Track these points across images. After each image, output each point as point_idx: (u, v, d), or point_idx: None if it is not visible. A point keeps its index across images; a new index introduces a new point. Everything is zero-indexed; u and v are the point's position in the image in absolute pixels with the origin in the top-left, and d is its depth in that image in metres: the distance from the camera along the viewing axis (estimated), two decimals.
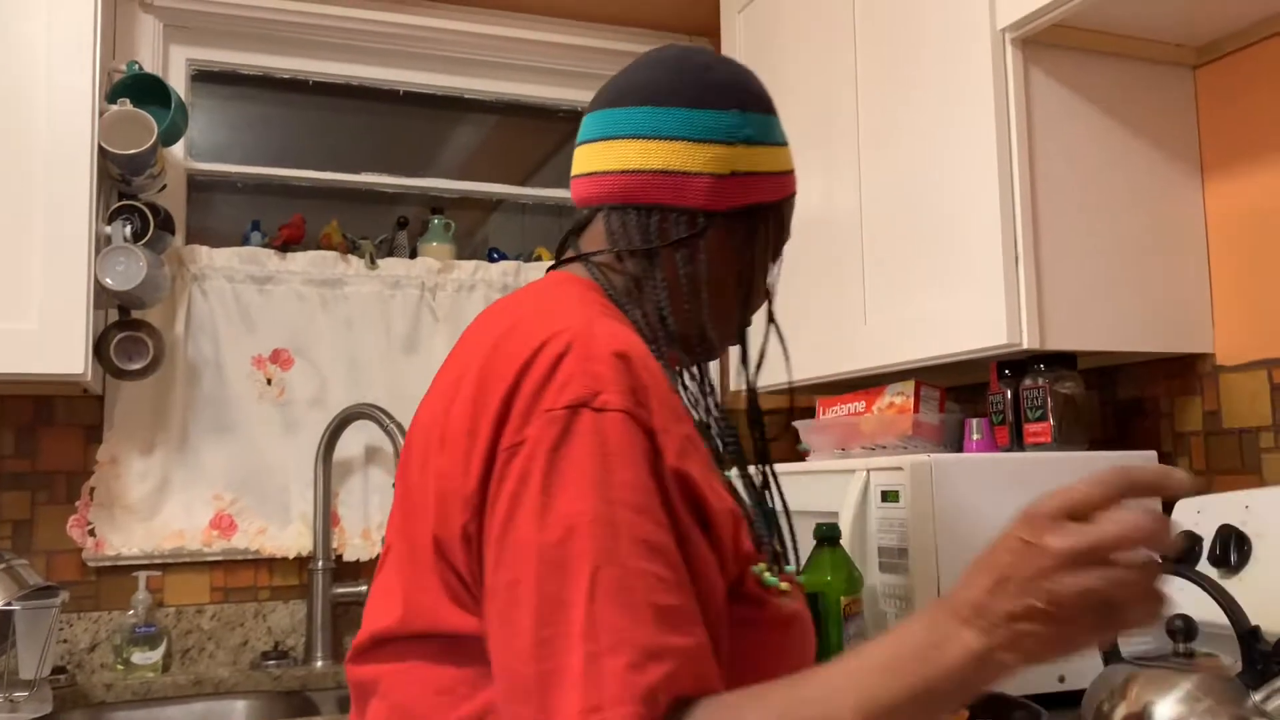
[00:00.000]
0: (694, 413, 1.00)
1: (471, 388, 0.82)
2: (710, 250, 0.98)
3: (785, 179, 1.02)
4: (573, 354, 0.79)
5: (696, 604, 0.75)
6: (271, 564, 2.24)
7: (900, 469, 1.45)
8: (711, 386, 1.02)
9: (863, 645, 0.72)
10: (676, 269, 0.96)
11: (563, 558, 0.72)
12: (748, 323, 1.06)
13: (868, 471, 1.53)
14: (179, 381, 2.21)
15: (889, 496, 1.48)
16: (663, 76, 0.98)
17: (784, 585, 0.87)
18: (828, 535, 1.41)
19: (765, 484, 1.03)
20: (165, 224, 2.13)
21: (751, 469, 1.04)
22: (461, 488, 0.79)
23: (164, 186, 2.19)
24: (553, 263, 1.04)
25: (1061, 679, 1.48)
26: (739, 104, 0.98)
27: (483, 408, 0.80)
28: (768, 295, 1.06)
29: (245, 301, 2.28)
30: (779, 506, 1.03)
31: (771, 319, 1.09)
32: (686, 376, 1.03)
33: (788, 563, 1.00)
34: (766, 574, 0.86)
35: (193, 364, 2.23)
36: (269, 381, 2.28)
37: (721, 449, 1.00)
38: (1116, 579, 0.66)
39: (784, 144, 1.03)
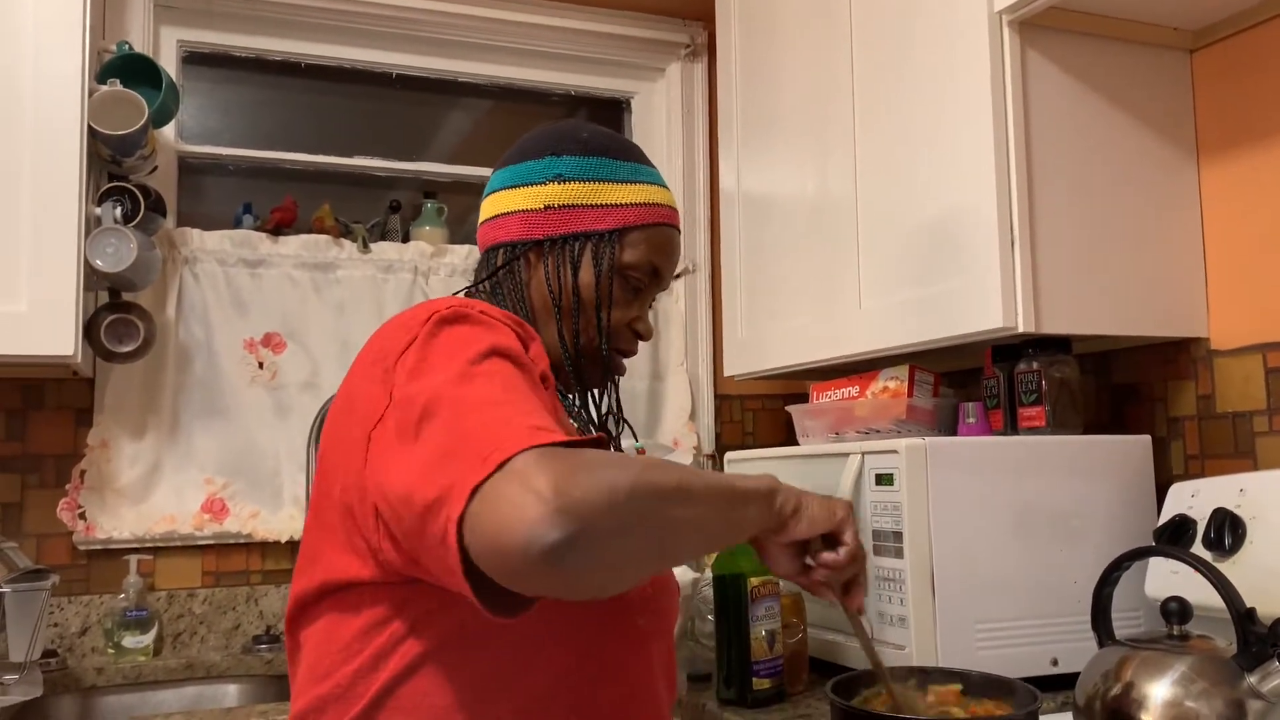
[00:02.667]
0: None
1: (367, 358, 0.95)
2: (535, 276, 1.12)
3: (620, 210, 1.13)
4: (439, 304, 0.95)
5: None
6: (264, 548, 2.24)
7: (895, 452, 1.45)
8: (613, 407, 1.19)
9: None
10: (510, 296, 1.12)
11: (469, 373, 0.84)
12: (616, 349, 1.16)
13: (862, 455, 1.52)
14: (170, 365, 2.19)
15: (883, 480, 1.47)
16: (510, 149, 1.18)
17: None
18: None
19: None
20: (156, 206, 2.11)
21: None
22: (363, 427, 0.90)
23: (155, 168, 2.17)
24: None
25: (1055, 662, 1.48)
26: (551, 151, 1.14)
27: (377, 359, 0.93)
28: (638, 332, 1.17)
29: (237, 285, 2.27)
30: None
31: (611, 376, 1.18)
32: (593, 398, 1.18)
33: None
34: None
35: (184, 347, 2.22)
36: (261, 365, 2.27)
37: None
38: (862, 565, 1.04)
39: (621, 181, 1.14)
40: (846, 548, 0.99)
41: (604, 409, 1.17)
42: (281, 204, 2.33)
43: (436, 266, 2.41)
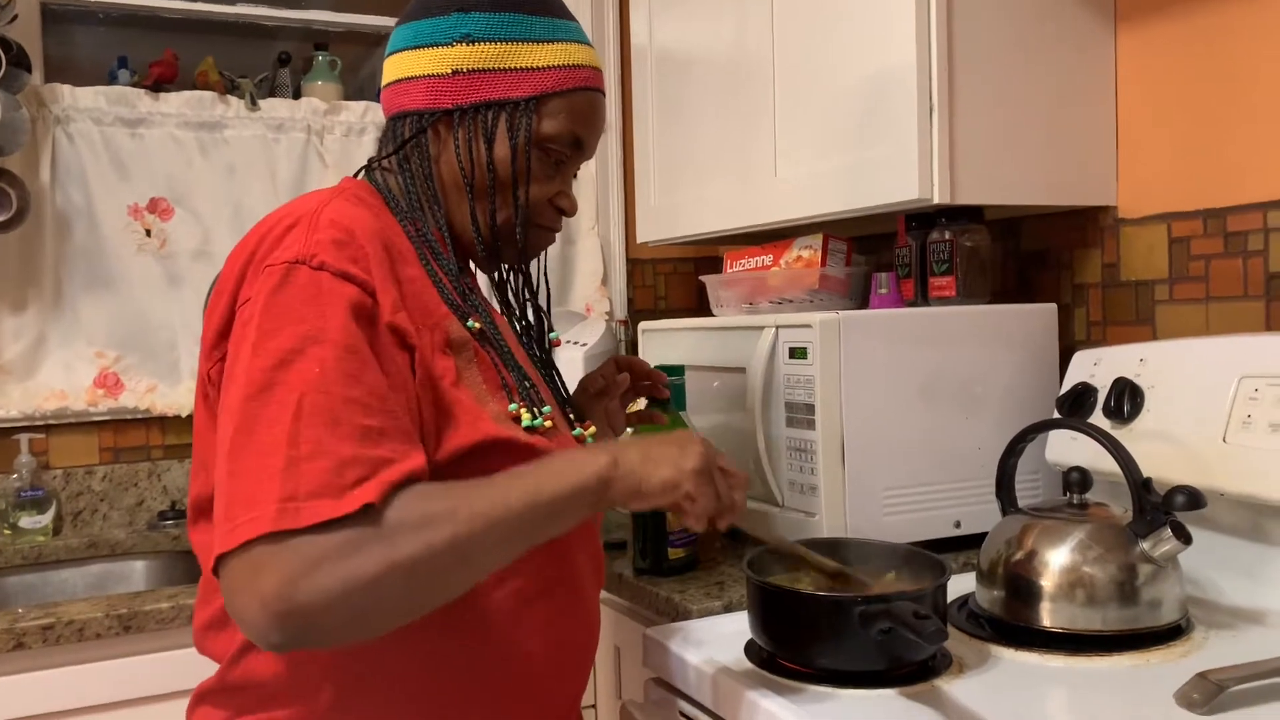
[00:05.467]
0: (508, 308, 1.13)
1: (227, 263, 0.93)
2: (445, 150, 1.03)
3: (536, 75, 1.03)
4: (300, 226, 0.89)
5: (409, 431, 0.84)
6: (163, 422, 2.17)
7: (809, 326, 1.45)
8: (527, 287, 1.13)
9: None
10: (418, 171, 1.03)
11: (270, 382, 0.80)
12: (538, 225, 1.07)
13: (776, 328, 1.52)
14: (48, 234, 2.06)
15: (797, 353, 1.48)
16: (412, 1, 1.07)
17: (547, 423, 0.99)
18: (654, 398, 1.43)
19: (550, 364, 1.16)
20: (19, 60, 1.94)
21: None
22: (208, 342, 0.91)
23: (15, 18, 1.98)
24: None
25: (958, 524, 1.53)
26: (459, 7, 1.02)
27: (229, 274, 0.91)
28: (559, 208, 1.08)
29: (116, 146, 2.12)
30: (559, 383, 1.18)
31: (527, 256, 1.10)
32: (510, 275, 1.13)
33: (575, 423, 1.14)
34: (525, 414, 0.97)
35: (63, 214, 2.08)
36: (148, 232, 2.14)
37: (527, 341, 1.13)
38: (718, 494, 0.94)
39: (537, 40, 1.03)
40: (689, 518, 0.93)
41: (520, 292, 1.12)
42: (161, 58, 2.17)
43: (331, 125, 2.29)
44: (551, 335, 1.14)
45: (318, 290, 0.85)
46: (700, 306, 2.53)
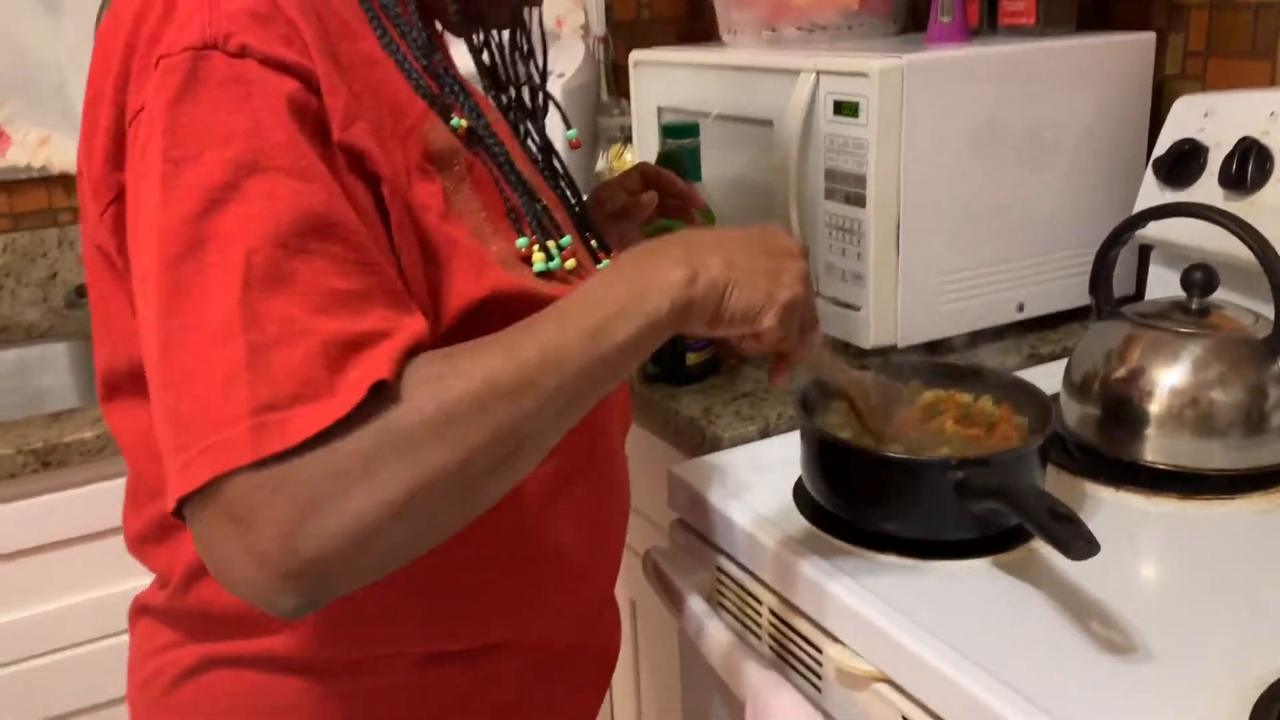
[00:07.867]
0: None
1: (97, 46, 0.65)
2: None
3: None
4: (185, 37, 0.59)
5: (398, 291, 0.60)
6: (66, 181, 1.83)
7: (864, 75, 1.14)
8: (522, 51, 0.82)
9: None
10: None
11: (198, 238, 0.55)
12: None
13: (817, 74, 1.21)
14: None
15: (845, 109, 1.18)
16: None
17: (568, 263, 0.72)
18: (670, 154, 1.19)
19: (556, 171, 0.85)
20: None
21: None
22: (96, 172, 0.64)
23: None
24: None
25: (1020, 307, 1.31)
26: None
27: (104, 67, 0.63)
28: None
29: None
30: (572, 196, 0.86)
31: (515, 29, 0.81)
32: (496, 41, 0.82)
33: (601, 251, 0.83)
34: (537, 253, 0.70)
35: None
36: None
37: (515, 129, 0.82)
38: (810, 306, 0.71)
39: None
40: (759, 345, 0.70)
41: (513, 67, 0.80)
42: None
43: None
44: (569, 134, 0.84)
45: (245, 89, 0.58)
46: (691, 18, 2.15)
